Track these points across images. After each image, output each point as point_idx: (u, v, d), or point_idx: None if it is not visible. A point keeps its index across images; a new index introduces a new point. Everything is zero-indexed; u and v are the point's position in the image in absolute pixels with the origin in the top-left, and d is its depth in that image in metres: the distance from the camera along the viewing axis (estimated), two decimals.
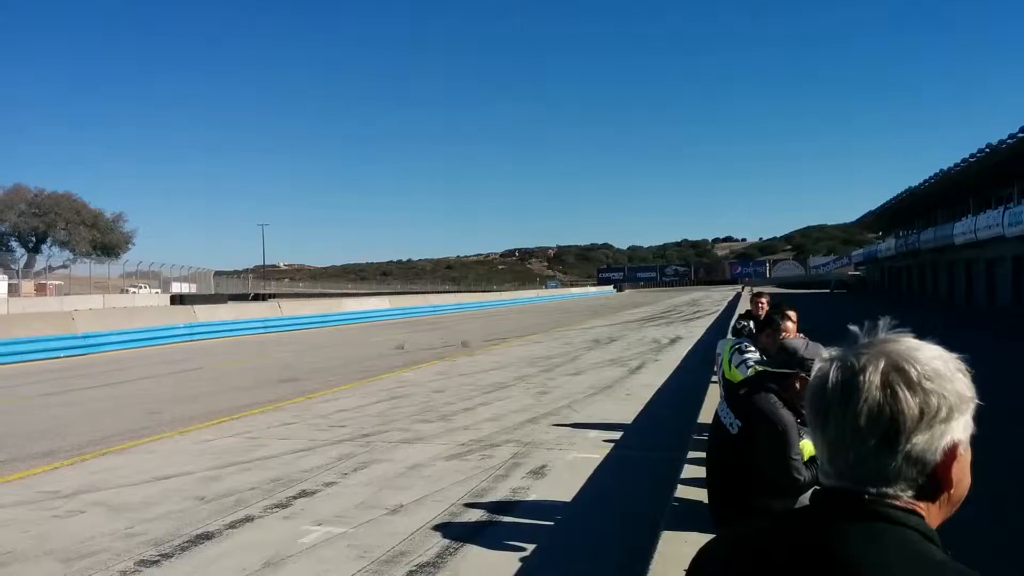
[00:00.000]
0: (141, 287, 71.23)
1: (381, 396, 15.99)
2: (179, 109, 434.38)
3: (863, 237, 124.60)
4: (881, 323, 1.33)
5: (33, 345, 26.28)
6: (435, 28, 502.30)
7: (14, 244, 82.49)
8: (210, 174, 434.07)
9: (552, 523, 7.64)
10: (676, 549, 4.79)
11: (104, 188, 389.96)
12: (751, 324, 8.68)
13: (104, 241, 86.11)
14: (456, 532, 7.27)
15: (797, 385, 4.29)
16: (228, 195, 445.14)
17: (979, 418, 1.29)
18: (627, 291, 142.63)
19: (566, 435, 11.66)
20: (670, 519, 5.63)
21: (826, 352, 1.35)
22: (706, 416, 8.87)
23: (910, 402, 1.22)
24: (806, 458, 4.22)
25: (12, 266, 65.73)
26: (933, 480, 1.26)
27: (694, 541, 4.50)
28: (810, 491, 3.96)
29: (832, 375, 1.28)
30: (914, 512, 1.25)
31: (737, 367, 7.04)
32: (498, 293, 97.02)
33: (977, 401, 1.28)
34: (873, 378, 1.24)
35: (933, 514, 1.28)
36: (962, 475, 1.28)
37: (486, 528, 7.45)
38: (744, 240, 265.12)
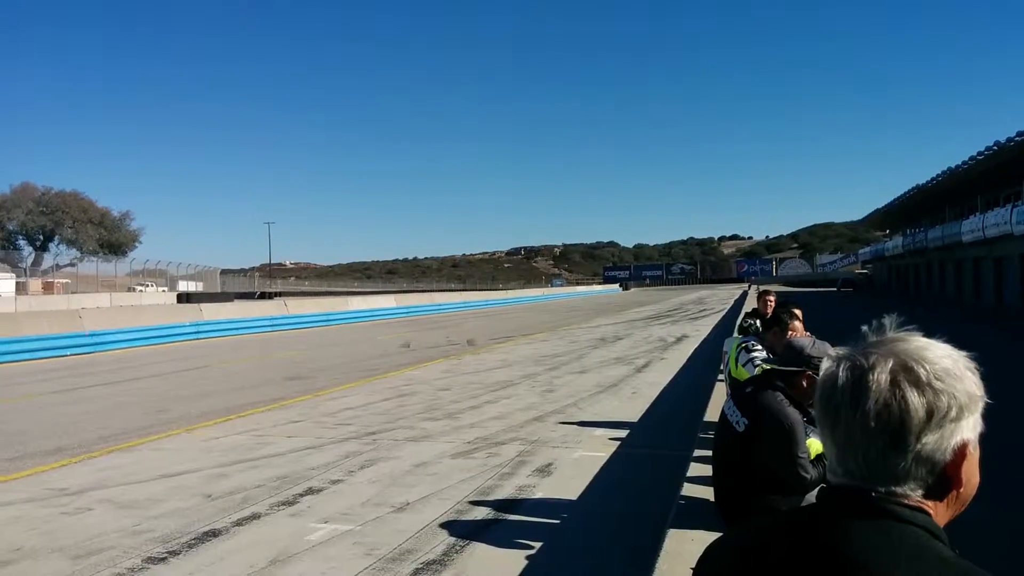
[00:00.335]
0: (148, 285, 71.42)
1: (387, 394, 16.00)
2: (186, 107, 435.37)
3: (870, 235, 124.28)
4: (888, 321, 1.33)
5: (41, 343, 26.33)
6: (441, 25, 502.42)
7: (22, 242, 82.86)
8: (217, 172, 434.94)
9: (558, 521, 7.65)
10: (682, 547, 4.79)
11: (111, 186, 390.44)
12: (757, 322, 8.66)
13: (111, 239, 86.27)
14: (462, 530, 7.28)
15: (804, 383, 4.29)
16: (235, 193, 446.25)
17: (988, 418, 1.29)
18: (633, 289, 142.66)
19: (572, 433, 11.66)
20: (676, 517, 5.63)
21: (834, 351, 1.34)
22: (712, 414, 8.87)
23: (920, 402, 1.22)
24: (812, 456, 4.21)
25: (20, 264, 65.91)
26: (943, 479, 1.25)
27: (700, 539, 4.50)
28: (817, 489, 3.96)
29: (841, 375, 1.28)
30: (922, 510, 1.25)
31: (744, 366, 7.04)
32: (504, 291, 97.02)
33: (986, 399, 1.27)
34: (882, 378, 1.23)
35: (941, 512, 1.28)
36: (971, 474, 1.28)
37: (492, 526, 7.45)
38: (751, 238, 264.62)
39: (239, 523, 7.62)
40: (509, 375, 18.84)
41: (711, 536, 1.52)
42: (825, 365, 1.34)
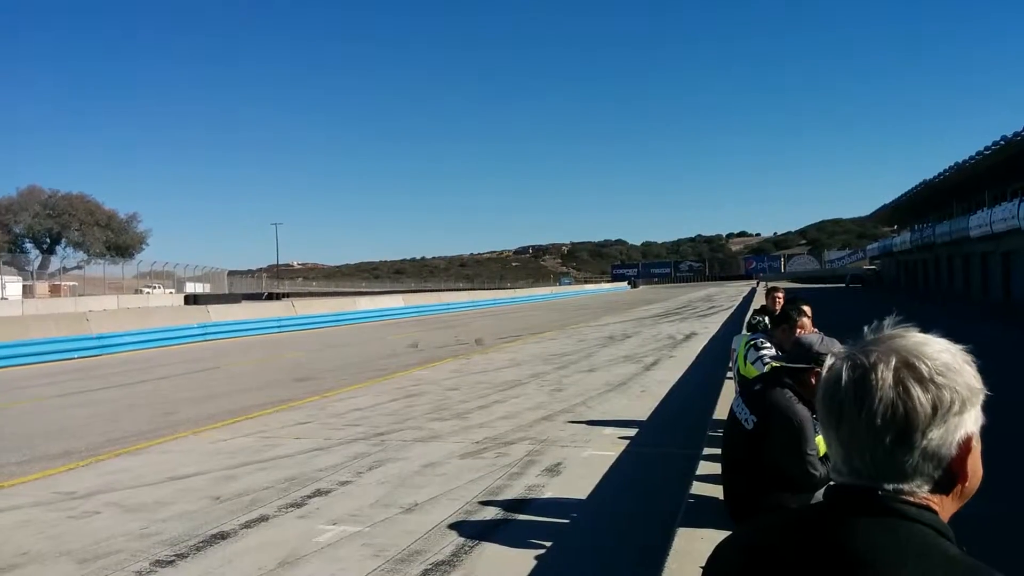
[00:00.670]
0: (155, 287, 71.60)
1: (395, 395, 16.00)
2: (192, 109, 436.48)
3: (878, 231, 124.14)
4: (887, 318, 1.33)
5: (48, 346, 26.43)
6: (441, 25, 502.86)
7: (28, 245, 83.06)
8: (224, 174, 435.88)
9: (568, 521, 7.62)
10: (692, 545, 4.76)
11: (118, 189, 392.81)
12: (766, 319, 8.62)
13: (118, 242, 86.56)
14: (471, 530, 7.25)
15: (812, 380, 4.27)
16: (242, 195, 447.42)
17: (997, 413, 1.27)
18: (641, 287, 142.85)
19: (581, 432, 11.63)
20: (686, 516, 5.59)
21: (835, 348, 1.34)
22: (721, 412, 8.83)
23: (923, 398, 1.22)
24: (822, 453, 4.19)
25: (27, 267, 66.07)
26: (948, 474, 1.26)
27: (710, 537, 4.47)
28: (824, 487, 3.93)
29: (844, 375, 1.28)
30: (928, 508, 1.26)
31: (753, 363, 7.00)
32: (512, 290, 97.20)
33: (986, 392, 1.28)
34: (886, 376, 1.24)
35: (947, 507, 1.29)
36: (975, 467, 1.28)
37: (501, 526, 7.43)
38: (758, 235, 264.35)
39: (247, 525, 7.61)
40: (518, 374, 18.82)
41: (721, 535, 1.50)
42: (826, 365, 1.34)
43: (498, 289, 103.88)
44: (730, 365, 8.88)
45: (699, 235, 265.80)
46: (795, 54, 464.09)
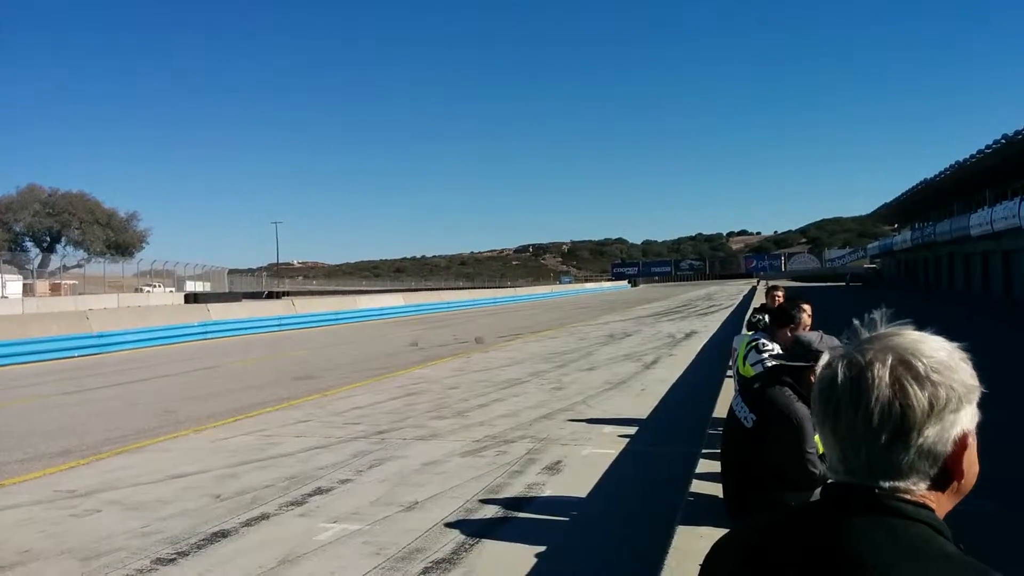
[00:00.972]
0: (155, 286, 71.47)
1: (396, 393, 16.01)
2: (192, 107, 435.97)
3: (879, 229, 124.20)
4: (879, 315, 1.33)
5: (48, 345, 26.44)
6: (448, 24, 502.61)
7: (28, 244, 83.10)
8: (224, 172, 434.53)
9: (567, 519, 7.63)
10: (691, 543, 4.76)
11: (118, 187, 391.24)
12: (766, 317, 8.62)
13: (118, 240, 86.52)
14: (471, 528, 7.27)
15: (811, 378, 4.25)
16: (242, 193, 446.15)
17: (997, 412, 1.27)
18: (641, 286, 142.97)
19: (581, 431, 11.65)
20: (685, 514, 5.60)
21: (834, 346, 1.34)
22: (721, 411, 8.83)
23: (920, 396, 1.22)
24: (821, 452, 4.19)
25: (27, 266, 66.14)
26: (945, 471, 1.26)
27: (709, 535, 4.48)
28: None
29: (840, 372, 1.28)
30: (925, 506, 1.26)
31: (753, 365, 6.99)
32: (512, 289, 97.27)
33: (982, 388, 1.27)
34: (882, 374, 1.24)
35: (943, 504, 1.29)
36: (971, 464, 1.28)
37: (502, 524, 7.44)
38: (759, 234, 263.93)
39: (248, 523, 7.63)
40: (518, 373, 18.84)
41: (720, 533, 1.51)
42: (821, 363, 1.34)
43: (498, 288, 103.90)
44: (730, 364, 8.88)
45: (699, 234, 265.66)
46: (796, 52, 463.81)
